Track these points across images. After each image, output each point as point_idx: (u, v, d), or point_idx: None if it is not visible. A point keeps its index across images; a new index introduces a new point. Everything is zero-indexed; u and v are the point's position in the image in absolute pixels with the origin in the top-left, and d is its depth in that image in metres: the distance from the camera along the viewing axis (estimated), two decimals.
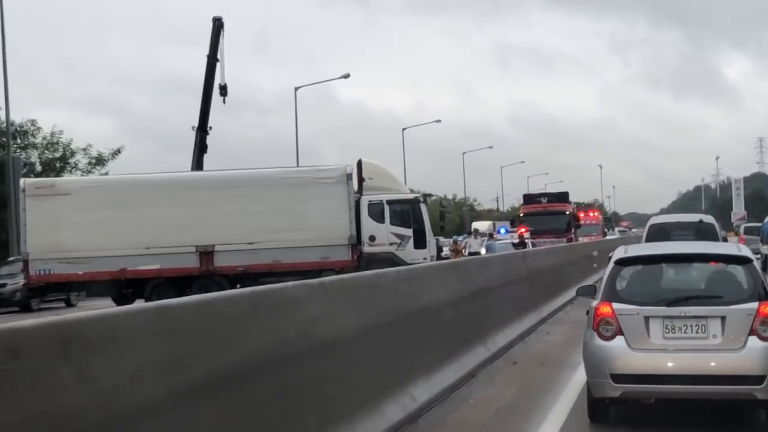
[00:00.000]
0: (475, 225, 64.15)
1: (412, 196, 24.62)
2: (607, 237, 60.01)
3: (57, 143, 41.02)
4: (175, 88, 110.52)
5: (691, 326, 6.92)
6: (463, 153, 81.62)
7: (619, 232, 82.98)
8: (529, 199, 39.61)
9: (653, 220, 19.79)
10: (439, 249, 33.94)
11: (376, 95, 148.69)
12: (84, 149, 41.17)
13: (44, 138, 40.86)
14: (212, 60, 29.17)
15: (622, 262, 7.60)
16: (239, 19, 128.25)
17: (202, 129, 28.94)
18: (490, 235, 32.39)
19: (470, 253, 31.67)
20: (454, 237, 37.14)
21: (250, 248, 23.16)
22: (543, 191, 40.54)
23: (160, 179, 23.91)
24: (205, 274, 23.19)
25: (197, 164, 28.39)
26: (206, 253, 23.14)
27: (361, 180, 24.47)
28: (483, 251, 31.25)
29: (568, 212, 37.61)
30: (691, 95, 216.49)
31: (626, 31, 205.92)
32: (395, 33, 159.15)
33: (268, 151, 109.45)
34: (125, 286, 23.10)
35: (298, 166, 57.60)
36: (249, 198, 23.35)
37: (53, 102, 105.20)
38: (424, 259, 23.78)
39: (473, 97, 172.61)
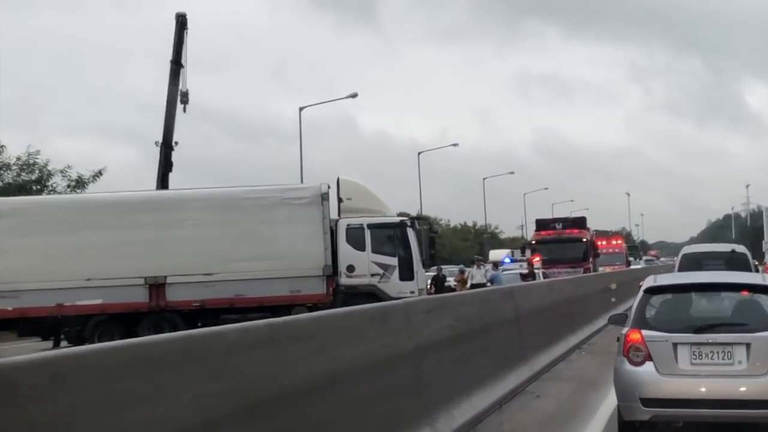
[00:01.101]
0: (494, 253, 60.72)
1: (397, 219, 21.45)
2: (632, 267, 56.65)
3: (33, 164, 38.29)
4: (196, 116, 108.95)
5: (718, 353, 7.20)
6: (484, 179, 78.16)
7: (646, 261, 79.37)
8: (542, 224, 36.23)
9: (686, 250, 19.66)
10: (442, 279, 30.68)
11: (397, 123, 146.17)
12: (62, 171, 38.40)
13: (18, 159, 38.13)
14: (176, 66, 26.22)
15: (652, 291, 7.96)
16: (258, 47, 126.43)
17: (167, 144, 25.93)
18: (495, 265, 28.89)
19: (473, 285, 28.34)
20: (461, 266, 33.72)
21: (209, 280, 20.07)
22: (560, 217, 36.99)
23: (103, 200, 20.96)
24: (156, 310, 20.09)
25: (162, 184, 25.39)
26: (157, 286, 20.06)
27: (338, 201, 21.33)
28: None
29: (585, 239, 34.21)
30: (714, 123, 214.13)
31: (646, 59, 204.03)
32: (413, 61, 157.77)
33: (286, 176, 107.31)
34: (62, 325, 19.98)
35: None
36: (207, 221, 20.29)
37: (78, 131, 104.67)
38: (411, 293, 20.58)
39: (494, 125, 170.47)
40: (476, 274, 28.58)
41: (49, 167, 38.37)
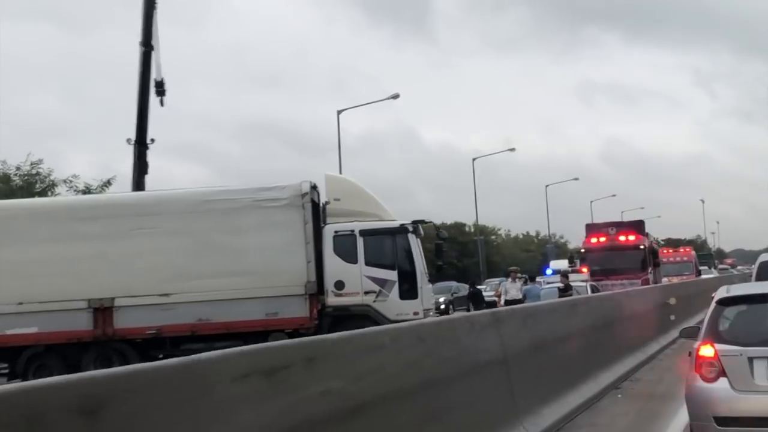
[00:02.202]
0: (554, 264, 56.27)
1: (396, 223, 17.57)
2: (703, 277, 52.03)
3: (36, 174, 35.71)
4: (258, 130, 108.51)
5: None
6: (546, 185, 73.73)
7: (720, 270, 74.02)
8: (592, 229, 31.83)
9: (764, 257, 17.83)
10: (478, 295, 26.79)
11: (460, 135, 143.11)
12: (66, 180, 35.70)
13: (18, 168, 35.61)
14: (147, 48, 22.81)
15: (725, 302, 7.56)
16: (315, 61, 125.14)
17: (140, 142, 22.52)
18: (530, 278, 24.82)
19: (507, 302, 24.38)
20: (501, 280, 29.67)
21: (165, 302, 16.59)
22: (614, 221, 32.47)
23: (36, 206, 17.59)
24: (102, 339, 16.64)
25: (137, 188, 21.98)
26: (103, 310, 16.64)
27: (324, 202, 17.66)
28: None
29: (642, 246, 29.80)
30: None
31: (709, 64, 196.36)
32: (472, 72, 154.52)
33: None
34: None
35: None
36: (162, 230, 16.82)
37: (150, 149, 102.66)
38: (415, 314, 16.79)
39: (559, 134, 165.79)
40: (511, 289, 24.59)
41: (53, 177, 35.89)
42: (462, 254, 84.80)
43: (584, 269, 30.05)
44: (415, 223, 17.62)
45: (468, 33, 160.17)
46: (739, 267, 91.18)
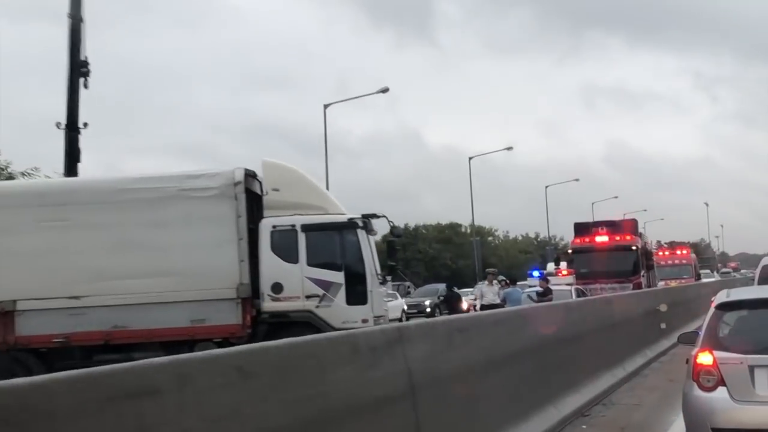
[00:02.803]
0: (551, 266, 54.12)
1: (344, 218, 15.39)
2: (704, 280, 49.97)
3: None
4: (262, 132, 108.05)
5: None
6: (546, 186, 71.53)
7: (722, 273, 71.99)
8: (581, 228, 29.54)
9: (765, 261, 17.33)
10: (455, 299, 24.60)
11: (464, 138, 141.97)
12: (24, 173, 33.59)
13: None
14: (75, 20, 20.55)
15: (724, 307, 7.31)
16: (317, 62, 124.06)
17: (71, 127, 20.32)
18: (510, 280, 22.62)
19: (483, 306, 22.25)
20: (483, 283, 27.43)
21: (75, 306, 14.44)
22: (604, 220, 30.14)
23: None
24: (2, 348, 14.49)
25: (68, 175, 19.77)
26: (3, 315, 14.49)
27: (261, 193, 15.51)
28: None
29: (635, 247, 27.59)
30: None
31: (712, 68, 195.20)
32: (474, 75, 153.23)
33: (359, 193, 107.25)
34: None
35: None
36: (71, 223, 14.66)
37: (148, 149, 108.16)
38: (364, 321, 14.66)
39: (561, 137, 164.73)
40: (487, 292, 22.44)
41: (11, 169, 33.81)
42: (457, 255, 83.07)
43: (564, 272, 27.96)
44: (365, 217, 15.43)
45: (470, 36, 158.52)
46: (742, 270, 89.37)
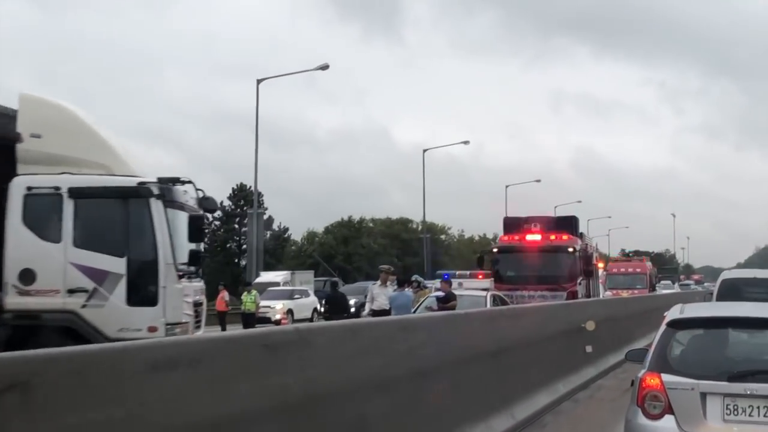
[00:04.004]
0: None
1: (132, 181, 10.98)
2: (663, 292, 46.47)
3: None
4: (229, 120, 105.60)
5: (759, 408, 6.06)
6: (506, 186, 67.34)
7: (680, 286, 68.97)
8: (511, 224, 25.38)
9: (725, 275, 16.84)
10: (339, 300, 20.39)
11: (430, 136, 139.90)
12: None
13: None
14: None
15: (677, 324, 6.68)
16: (289, 53, 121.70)
17: None
18: (406, 282, 18.35)
19: (374, 312, 18.06)
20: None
21: None
22: (537, 216, 25.76)
23: None
24: None
25: None
26: None
27: (14, 138, 11.06)
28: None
29: (572, 249, 23.46)
30: (752, 147, 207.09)
31: (678, 81, 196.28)
32: (439, 75, 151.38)
33: (325, 188, 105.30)
34: None
35: (256, 186, 45.16)
36: None
37: (118, 133, 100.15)
38: (152, 330, 10.36)
39: (529, 141, 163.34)
40: (379, 295, 18.20)
41: None
42: (404, 252, 79.20)
43: (480, 275, 23.89)
44: (163, 182, 11.03)
45: (438, 35, 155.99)
46: (705, 284, 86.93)
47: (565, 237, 23.76)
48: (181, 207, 11.32)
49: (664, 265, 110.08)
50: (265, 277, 36.42)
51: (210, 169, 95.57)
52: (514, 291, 23.01)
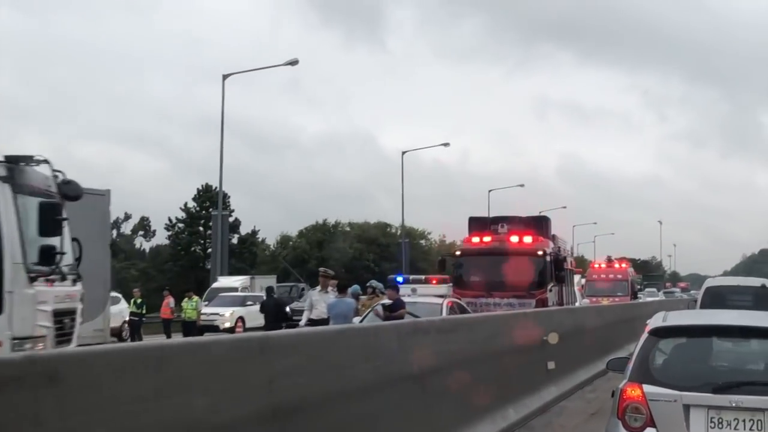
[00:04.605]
0: None
1: None
2: (647, 300, 44.69)
3: None
4: (214, 125, 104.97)
5: (744, 420, 5.89)
6: (489, 191, 65.36)
7: (665, 293, 67.53)
8: (476, 225, 23.21)
9: (709, 282, 17.25)
10: (276, 307, 18.36)
11: (414, 142, 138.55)
12: None
13: None
14: None
15: (659, 333, 6.53)
16: (274, 56, 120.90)
17: None
18: (340, 288, 16.20)
19: (312, 322, 16.06)
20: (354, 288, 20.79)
21: None
22: (505, 215, 23.64)
23: None
24: None
25: None
26: None
27: None
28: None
29: (542, 252, 21.44)
30: (737, 155, 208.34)
31: (662, 88, 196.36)
32: (424, 81, 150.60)
33: (308, 193, 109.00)
34: None
35: (221, 186, 43.07)
36: None
37: (101, 137, 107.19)
38: None
39: (514, 147, 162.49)
40: (318, 302, 16.22)
41: None
42: (382, 257, 77.16)
43: (434, 280, 21.93)
44: (11, 160, 8.92)
45: (421, 41, 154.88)
46: (692, 291, 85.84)
47: (534, 239, 21.75)
48: (38, 193, 9.24)
49: (650, 272, 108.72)
50: (223, 282, 34.27)
51: (195, 173, 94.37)
52: (478, 299, 21.04)
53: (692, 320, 7.58)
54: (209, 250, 49.19)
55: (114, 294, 28.26)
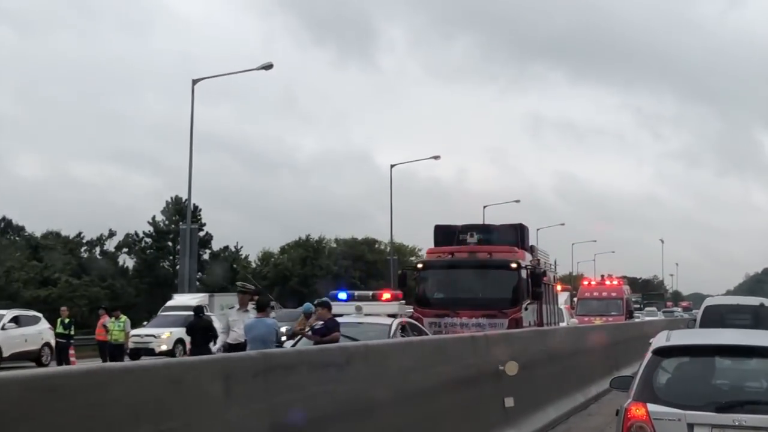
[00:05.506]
0: None
1: None
2: (646, 319, 42.33)
3: None
4: (207, 143, 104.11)
5: None
6: (484, 206, 61.96)
7: (664, 312, 65.21)
8: (443, 234, 20.37)
9: (709, 302, 16.81)
10: (203, 330, 15.78)
11: (406, 160, 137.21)
12: None
13: None
14: None
15: (663, 352, 6.67)
16: (267, 77, 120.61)
17: None
18: (259, 306, 13.43)
19: (229, 346, 13.47)
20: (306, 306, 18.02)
21: None
22: (477, 224, 20.96)
23: None
24: None
25: None
26: None
27: None
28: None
29: (515, 265, 18.76)
30: (733, 174, 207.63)
31: (656, 107, 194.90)
32: (416, 100, 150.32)
33: (308, 210, 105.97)
34: None
35: (190, 198, 40.62)
36: None
37: (93, 155, 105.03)
38: None
39: (509, 167, 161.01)
40: (236, 323, 13.60)
41: None
42: (368, 274, 74.56)
43: (384, 295, 19.38)
44: None
45: (413, 61, 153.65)
46: (694, 311, 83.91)
47: (508, 250, 19.12)
48: None
49: (651, 291, 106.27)
50: (178, 300, 31.60)
51: (183, 189, 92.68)
52: (442, 318, 18.43)
53: (695, 340, 7.60)
54: (178, 266, 46.70)
55: (32, 313, 25.68)
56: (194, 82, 40.62)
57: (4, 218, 58.23)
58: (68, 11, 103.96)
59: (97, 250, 61.57)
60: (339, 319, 14.37)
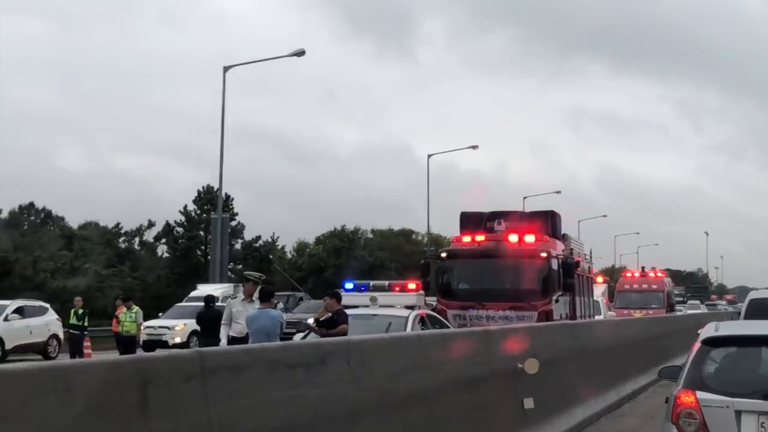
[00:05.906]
0: None
1: None
2: (685, 312, 40.96)
3: None
4: (248, 135, 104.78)
5: None
6: (524, 197, 60.54)
7: (707, 306, 63.58)
8: (469, 222, 19.24)
9: (753, 295, 16.14)
10: (211, 317, 14.97)
11: (453, 154, 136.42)
12: None
13: None
14: None
15: (712, 342, 6.87)
16: (307, 71, 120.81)
17: None
18: (263, 296, 12.47)
19: (232, 339, 12.61)
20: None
21: None
22: (503, 210, 19.88)
23: None
24: None
25: None
26: None
27: None
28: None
29: (545, 255, 17.66)
30: None
31: (700, 99, 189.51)
32: (455, 93, 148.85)
33: (348, 202, 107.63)
34: None
35: (221, 187, 40.08)
36: None
37: (140, 149, 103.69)
38: None
39: (550, 159, 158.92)
40: (240, 315, 12.72)
41: None
42: (405, 266, 73.66)
43: (397, 288, 18.43)
44: None
45: (452, 54, 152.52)
46: (738, 304, 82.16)
47: (538, 238, 18.02)
48: None
49: (696, 284, 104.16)
50: (203, 290, 30.82)
51: (233, 186, 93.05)
52: (467, 310, 17.42)
53: (743, 330, 7.86)
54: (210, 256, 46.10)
55: (39, 303, 25.02)
56: (225, 69, 40.02)
57: (44, 209, 58.27)
58: (108, 8, 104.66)
59: (136, 240, 61.51)
60: (351, 311, 13.46)
